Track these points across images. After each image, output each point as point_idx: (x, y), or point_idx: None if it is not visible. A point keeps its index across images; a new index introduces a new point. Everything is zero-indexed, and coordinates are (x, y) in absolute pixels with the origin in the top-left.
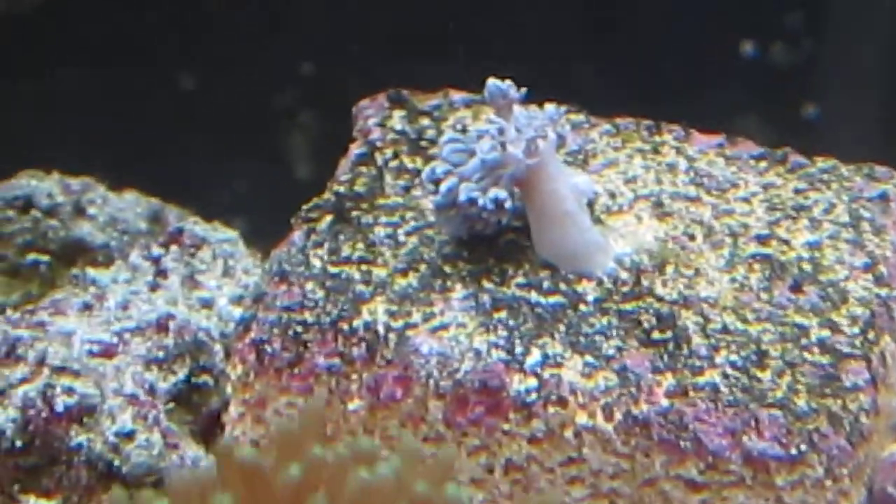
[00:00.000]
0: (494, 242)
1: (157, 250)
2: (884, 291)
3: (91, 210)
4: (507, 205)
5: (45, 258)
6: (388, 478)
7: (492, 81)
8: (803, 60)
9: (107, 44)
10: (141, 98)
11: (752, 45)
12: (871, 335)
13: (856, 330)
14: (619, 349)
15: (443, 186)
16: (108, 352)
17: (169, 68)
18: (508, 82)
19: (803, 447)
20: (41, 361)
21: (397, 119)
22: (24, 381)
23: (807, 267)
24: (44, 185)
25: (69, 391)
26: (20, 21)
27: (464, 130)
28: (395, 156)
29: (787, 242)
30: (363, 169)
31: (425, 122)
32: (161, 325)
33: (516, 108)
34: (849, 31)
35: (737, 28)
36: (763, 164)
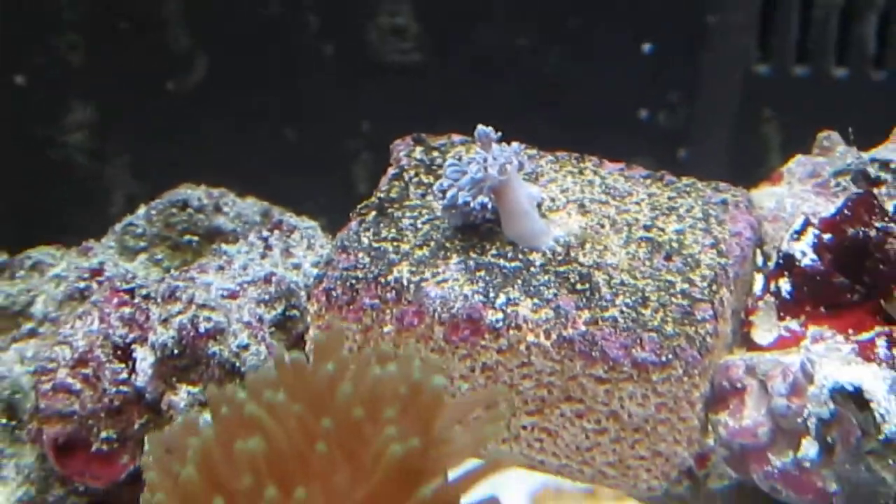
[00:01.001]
0: (478, 229)
1: (265, 233)
2: (722, 261)
3: (225, 209)
4: (488, 206)
5: (196, 238)
6: (394, 371)
7: (480, 127)
8: (680, 122)
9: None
10: (261, 143)
11: (646, 112)
12: (714, 287)
13: (704, 284)
14: (555, 295)
15: (447, 194)
16: (233, 295)
17: (278, 124)
18: (490, 128)
19: (670, 356)
20: (190, 301)
21: (418, 152)
22: (179, 313)
23: (675, 245)
24: (195, 192)
25: (208, 319)
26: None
27: (460, 159)
28: (416, 175)
29: (662, 230)
30: (396, 183)
31: (435, 154)
32: (267, 279)
33: (494, 145)
34: (710, 104)
35: (637, 102)
36: (648, 181)
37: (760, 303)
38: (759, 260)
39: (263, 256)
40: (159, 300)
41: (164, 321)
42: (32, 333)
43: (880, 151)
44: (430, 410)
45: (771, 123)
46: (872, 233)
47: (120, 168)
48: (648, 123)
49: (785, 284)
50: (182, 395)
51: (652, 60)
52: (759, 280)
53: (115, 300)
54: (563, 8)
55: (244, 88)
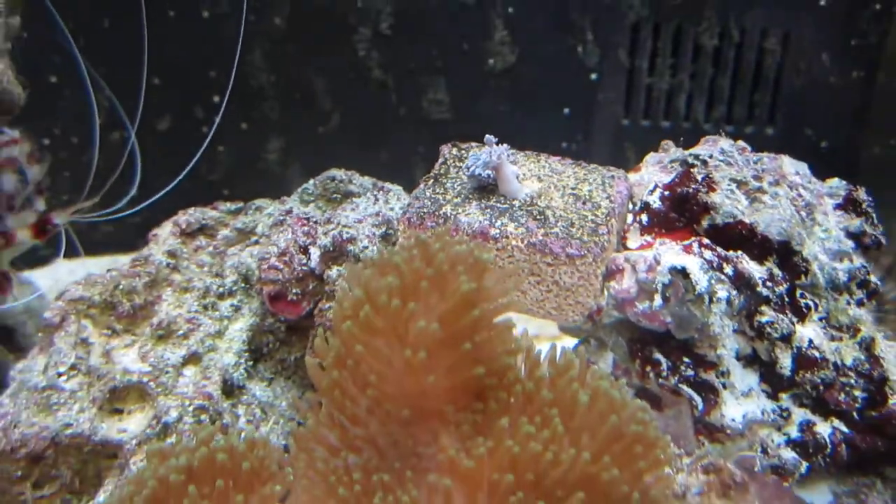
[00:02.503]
0: (486, 189)
1: (375, 193)
2: (612, 205)
3: (355, 181)
4: (491, 177)
5: (339, 195)
6: (463, 248)
7: (487, 136)
8: (582, 148)
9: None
10: (372, 154)
11: (566, 144)
12: (608, 218)
13: (602, 216)
14: (525, 221)
15: (470, 170)
16: (359, 221)
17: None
18: (492, 137)
19: (585, 251)
20: (338, 224)
21: (454, 150)
22: (332, 229)
23: (587, 197)
24: (338, 172)
25: (347, 233)
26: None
27: (479, 152)
28: (453, 162)
29: (580, 189)
30: (442, 166)
31: (463, 152)
32: (377, 214)
33: (494, 146)
34: (600, 140)
35: (562, 138)
36: (573, 165)
37: (631, 227)
38: (630, 206)
39: (374, 203)
40: (322, 224)
41: (325, 233)
42: (256, 243)
43: (694, 149)
44: (482, 270)
45: (630, 150)
46: (690, 190)
47: (298, 164)
48: (568, 149)
49: (643, 217)
50: (334, 272)
51: (568, 118)
52: (630, 217)
53: (299, 224)
54: (521, 87)
55: (366, 135)
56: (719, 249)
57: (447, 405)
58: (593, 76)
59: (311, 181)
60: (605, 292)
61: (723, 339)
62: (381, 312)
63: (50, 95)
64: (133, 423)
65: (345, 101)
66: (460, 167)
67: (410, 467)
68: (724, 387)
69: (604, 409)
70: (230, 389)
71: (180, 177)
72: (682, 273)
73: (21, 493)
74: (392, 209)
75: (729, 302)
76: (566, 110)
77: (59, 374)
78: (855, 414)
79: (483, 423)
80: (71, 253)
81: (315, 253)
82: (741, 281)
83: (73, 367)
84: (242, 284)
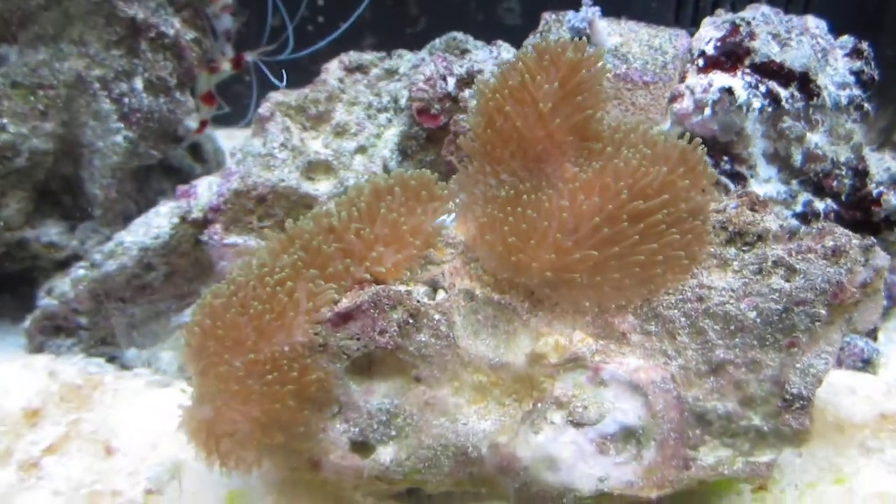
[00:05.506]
0: (582, 38)
1: (491, 48)
2: (676, 51)
3: (492, 48)
4: (586, 29)
5: (458, 51)
6: None
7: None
8: None
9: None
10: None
11: None
12: (674, 60)
13: (670, 58)
14: (611, 60)
15: (570, 23)
16: (484, 61)
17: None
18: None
19: (657, 80)
20: (469, 61)
21: (553, 15)
22: (465, 63)
23: (657, 46)
24: (459, 34)
25: (475, 66)
26: None
27: (576, 12)
28: (553, 23)
29: (652, 41)
30: (545, 27)
31: (560, 15)
32: (496, 57)
33: (590, 6)
34: None
35: None
36: (648, 27)
37: (689, 69)
38: (689, 56)
39: (490, 53)
40: (455, 62)
41: (460, 66)
42: (399, 79)
43: (740, 14)
44: (583, 47)
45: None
46: (737, 39)
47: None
48: None
49: (700, 61)
50: (466, 92)
51: None
52: (688, 64)
53: (440, 59)
54: None
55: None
56: (756, 76)
57: (568, 137)
58: None
59: (437, 39)
60: (668, 112)
61: (754, 140)
62: (515, 88)
63: None
64: (323, 187)
65: (430, 7)
66: (560, 24)
67: (544, 183)
68: (751, 176)
69: (672, 144)
70: (387, 172)
71: (342, 28)
72: (728, 90)
73: (250, 222)
74: (506, 56)
75: (761, 111)
76: None
77: (273, 148)
78: (843, 196)
79: (590, 157)
80: (268, 87)
81: (451, 80)
82: (770, 97)
83: (282, 143)
84: (393, 104)
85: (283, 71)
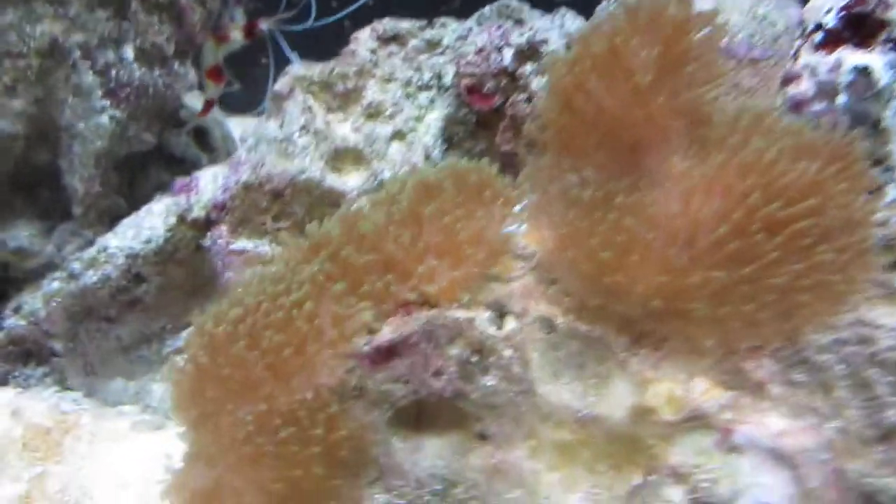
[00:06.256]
0: None
1: (553, 17)
2: (785, 21)
3: (525, 11)
4: None
5: (512, 19)
6: None
7: None
8: None
9: None
10: None
11: None
12: (784, 31)
13: (781, 29)
14: None
15: None
16: (548, 30)
17: None
18: None
19: (771, 55)
20: (531, 27)
21: None
22: (525, 32)
23: (762, 17)
24: (512, 1)
25: (537, 36)
26: None
27: None
28: None
29: (755, 10)
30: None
31: None
32: (561, 27)
33: None
34: None
35: None
36: None
37: (804, 46)
38: (800, 30)
39: (552, 22)
40: (513, 30)
41: (520, 35)
42: (443, 53)
43: None
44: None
45: None
46: (867, 9)
47: None
48: None
49: (817, 36)
50: (528, 67)
51: None
52: (800, 40)
53: (493, 28)
54: None
55: None
56: None
57: (675, 121)
58: None
59: (487, 7)
60: (780, 98)
61: (894, 135)
62: (601, 57)
63: None
64: (351, 180)
65: None
66: None
67: (643, 181)
68: (892, 181)
69: (819, 135)
70: (430, 164)
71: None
72: (864, 71)
73: (263, 222)
74: (572, 26)
75: None
76: None
77: (292, 132)
78: None
79: (705, 147)
80: (283, 61)
81: (508, 52)
82: None
83: (303, 127)
84: (436, 81)
85: (295, 51)
